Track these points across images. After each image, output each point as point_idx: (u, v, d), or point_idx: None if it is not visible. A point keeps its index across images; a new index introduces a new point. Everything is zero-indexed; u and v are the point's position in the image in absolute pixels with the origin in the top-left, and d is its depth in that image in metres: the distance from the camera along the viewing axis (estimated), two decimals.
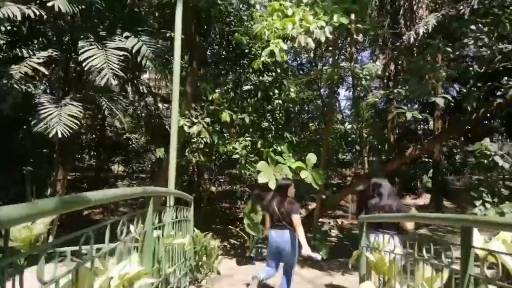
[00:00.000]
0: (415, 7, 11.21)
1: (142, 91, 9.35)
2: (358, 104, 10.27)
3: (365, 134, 11.88)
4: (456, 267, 2.05)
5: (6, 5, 5.82)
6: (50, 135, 6.01)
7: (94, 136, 16.54)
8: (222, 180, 14.57)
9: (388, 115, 12.61)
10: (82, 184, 16.53)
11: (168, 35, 7.50)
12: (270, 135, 7.51)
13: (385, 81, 13.21)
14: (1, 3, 5.78)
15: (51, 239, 7.16)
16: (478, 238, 1.99)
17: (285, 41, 5.71)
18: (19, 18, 5.75)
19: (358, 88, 11.19)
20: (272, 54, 5.42)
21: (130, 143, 17.89)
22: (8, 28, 6.16)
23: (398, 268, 2.83)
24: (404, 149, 8.67)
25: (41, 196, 7.25)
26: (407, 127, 17.55)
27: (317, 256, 4.54)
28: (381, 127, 11.65)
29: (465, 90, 9.96)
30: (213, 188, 13.59)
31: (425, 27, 8.15)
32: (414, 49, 10.52)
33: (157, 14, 8.23)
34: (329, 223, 8.72)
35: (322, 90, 14.95)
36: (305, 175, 6.96)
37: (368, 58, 15.93)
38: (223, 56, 9.10)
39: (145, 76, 13.42)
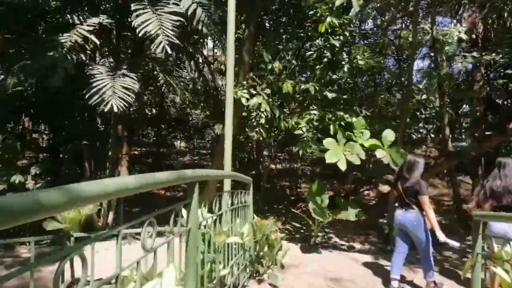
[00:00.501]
0: None
1: (198, 62, 8.80)
2: (439, 73, 8.80)
3: (447, 107, 10.33)
4: None
5: None
6: (106, 109, 5.68)
7: (155, 111, 16.68)
8: (281, 158, 13.89)
9: (474, 86, 10.85)
10: (147, 159, 16.84)
11: None
12: (338, 108, 6.55)
13: (470, 45, 11.35)
14: None
15: (110, 216, 7.06)
16: None
17: None
18: None
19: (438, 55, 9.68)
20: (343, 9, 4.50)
21: (191, 119, 17.90)
22: None
23: None
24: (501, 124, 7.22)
25: (100, 173, 7.12)
26: (493, 101, 15.29)
27: (455, 243, 4.08)
28: (469, 99, 10.04)
29: None
30: (272, 166, 12.97)
31: None
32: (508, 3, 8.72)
33: None
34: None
35: (392, 59, 13.44)
36: (382, 154, 5.98)
37: (448, 23, 13.92)
38: (283, 21, 8.17)
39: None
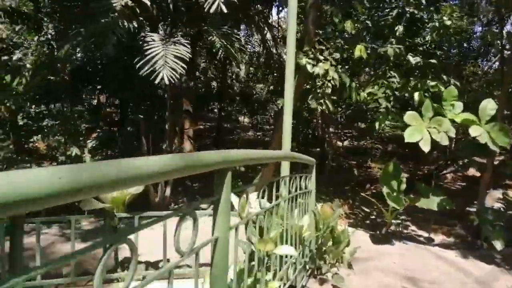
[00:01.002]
0: None
1: (263, 32, 8.09)
2: None
3: None
4: None
5: None
6: (157, 81, 5.28)
7: (217, 86, 16.46)
8: (349, 135, 12.81)
9: None
10: (211, 133, 16.81)
11: None
12: (423, 75, 5.45)
13: None
14: None
15: (168, 191, 6.85)
16: None
17: None
18: None
19: None
20: None
21: (254, 93, 17.44)
22: None
23: None
24: None
25: (158, 149, 6.91)
26: None
27: None
28: None
29: None
30: (339, 144, 11.99)
31: None
32: None
33: None
34: (503, 198, 6.43)
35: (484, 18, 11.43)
36: (477, 132, 4.84)
37: None
38: None
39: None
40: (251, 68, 16.42)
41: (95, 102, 12.09)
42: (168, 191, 6.94)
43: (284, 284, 2.16)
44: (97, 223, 5.39)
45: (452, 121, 5.05)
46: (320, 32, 6.20)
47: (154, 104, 7.71)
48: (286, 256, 2.31)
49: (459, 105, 5.17)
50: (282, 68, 10.80)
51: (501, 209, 6.08)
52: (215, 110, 18.15)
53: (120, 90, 7.69)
